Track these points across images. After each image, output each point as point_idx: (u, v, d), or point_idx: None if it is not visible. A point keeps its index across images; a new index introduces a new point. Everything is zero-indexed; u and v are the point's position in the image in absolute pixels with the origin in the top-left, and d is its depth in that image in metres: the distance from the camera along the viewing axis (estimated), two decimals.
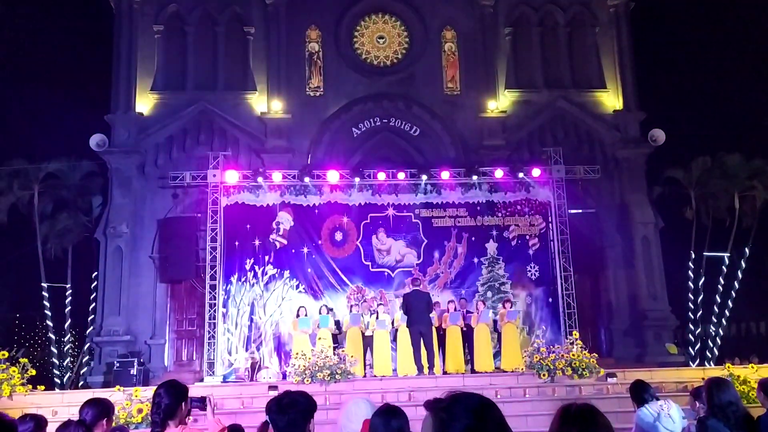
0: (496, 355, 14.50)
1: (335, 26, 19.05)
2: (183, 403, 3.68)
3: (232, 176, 16.00)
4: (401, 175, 16.34)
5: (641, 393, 5.34)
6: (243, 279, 15.86)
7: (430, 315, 13.84)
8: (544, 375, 12.29)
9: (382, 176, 16.25)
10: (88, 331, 17.40)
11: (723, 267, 18.70)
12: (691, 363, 17.38)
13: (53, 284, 17.76)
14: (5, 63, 20.12)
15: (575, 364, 12.31)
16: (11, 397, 11.16)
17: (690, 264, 18.79)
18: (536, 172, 16.54)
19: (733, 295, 18.63)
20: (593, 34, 19.53)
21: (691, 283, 18.81)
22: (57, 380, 17.39)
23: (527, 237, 16.59)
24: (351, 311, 14.67)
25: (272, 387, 11.65)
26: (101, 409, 4.22)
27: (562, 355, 12.44)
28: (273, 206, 16.22)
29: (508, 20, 19.43)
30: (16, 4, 20.22)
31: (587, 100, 19.10)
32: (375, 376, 13.36)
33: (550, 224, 16.54)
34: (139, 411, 10.07)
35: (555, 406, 2.52)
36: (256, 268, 15.93)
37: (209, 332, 15.41)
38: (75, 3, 20.50)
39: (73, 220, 17.86)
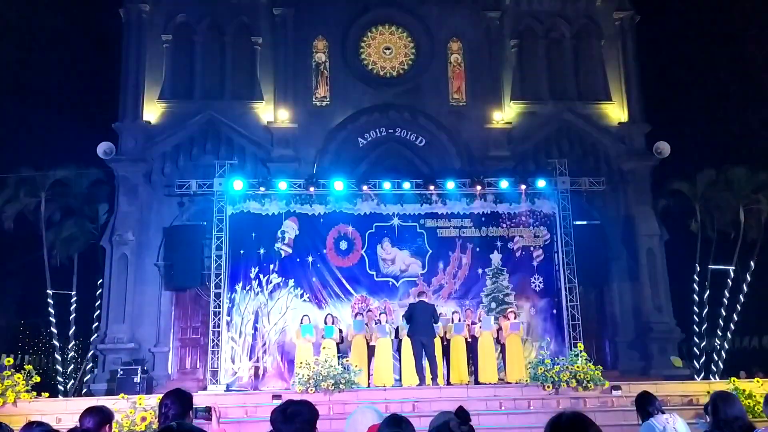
0: (500, 366, 14.46)
1: (342, 37, 19.15)
2: (190, 412, 3.72)
3: (238, 185, 16.07)
4: (407, 185, 16.38)
5: (646, 406, 5.31)
6: (248, 287, 15.89)
7: (436, 325, 13.83)
8: (548, 387, 12.27)
9: (387, 186, 16.30)
10: (92, 339, 17.44)
11: (728, 280, 18.65)
12: (696, 376, 17.30)
13: (58, 291, 17.82)
14: (14, 71, 20.30)
15: (580, 376, 12.29)
16: (15, 403, 11.18)
17: (695, 277, 18.76)
18: (541, 183, 16.57)
19: (738, 308, 18.58)
20: (599, 46, 19.59)
21: (696, 296, 18.76)
22: (61, 387, 17.41)
23: (531, 248, 16.59)
24: (355, 319, 14.67)
25: (276, 396, 11.65)
26: (103, 416, 4.26)
27: (567, 367, 12.42)
28: (278, 215, 16.27)
29: (514, 32, 19.51)
30: (25, 13, 20.41)
31: (592, 112, 19.13)
32: (376, 385, 13.33)
33: (555, 236, 16.55)
34: (143, 419, 10.09)
35: None
36: (261, 276, 15.96)
37: (213, 341, 15.42)
38: (84, 12, 20.67)
39: (79, 227, 17.94)
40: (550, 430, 2.28)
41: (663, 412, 5.25)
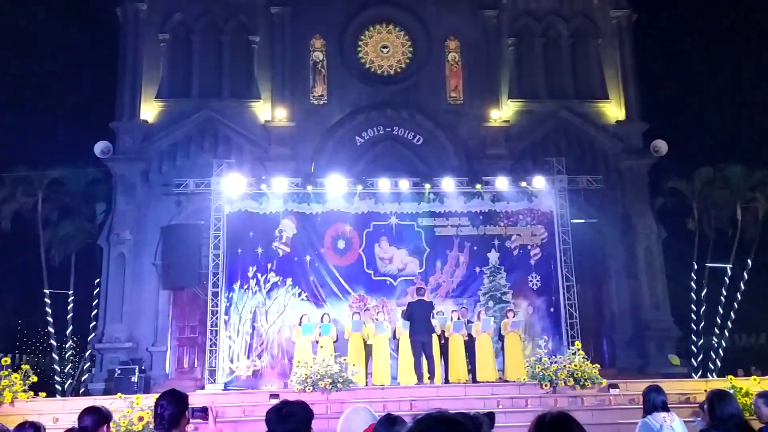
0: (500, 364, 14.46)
1: (339, 35, 19.14)
2: (186, 412, 3.72)
3: (235, 184, 16.04)
4: (404, 184, 16.36)
5: (649, 401, 5.26)
6: (245, 286, 15.87)
7: (433, 322, 13.83)
8: (546, 385, 12.26)
9: (385, 185, 16.28)
10: (89, 338, 17.41)
11: (725, 278, 18.67)
12: (693, 374, 17.32)
13: (56, 291, 17.77)
14: (11, 70, 20.26)
15: (577, 374, 12.28)
16: (13, 403, 11.15)
17: (692, 275, 18.77)
18: (539, 181, 16.55)
19: (736, 306, 18.59)
20: (596, 45, 19.59)
21: (693, 294, 18.77)
22: (58, 387, 17.39)
23: (529, 247, 16.58)
24: (353, 318, 14.65)
25: (273, 395, 11.62)
26: (101, 415, 4.26)
27: (564, 366, 12.41)
28: (276, 214, 16.24)
29: (512, 31, 19.50)
30: (22, 12, 20.36)
31: (590, 110, 19.14)
32: (374, 384, 13.32)
33: (553, 234, 16.53)
34: (140, 419, 10.05)
35: None
36: (259, 275, 15.94)
37: (211, 340, 15.40)
38: (81, 11, 20.63)
39: (76, 226, 17.91)
40: (535, 428, 2.29)
41: (667, 410, 5.22)
